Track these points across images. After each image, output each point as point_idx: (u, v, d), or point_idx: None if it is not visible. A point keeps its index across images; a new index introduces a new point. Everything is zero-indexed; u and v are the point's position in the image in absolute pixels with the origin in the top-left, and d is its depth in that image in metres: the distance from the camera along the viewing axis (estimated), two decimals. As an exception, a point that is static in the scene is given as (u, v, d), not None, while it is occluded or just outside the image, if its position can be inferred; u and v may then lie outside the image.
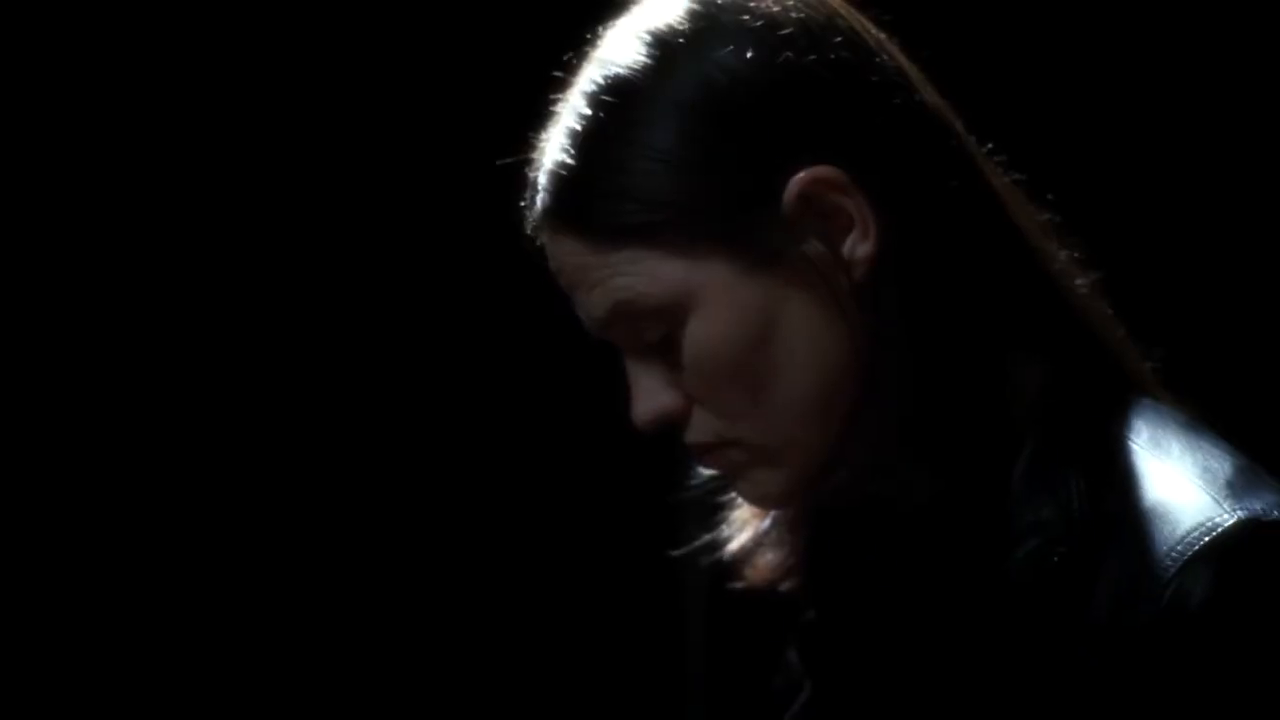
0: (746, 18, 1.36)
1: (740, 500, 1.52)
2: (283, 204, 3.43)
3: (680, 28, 1.38)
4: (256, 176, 3.44)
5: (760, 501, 1.47)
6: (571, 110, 1.39)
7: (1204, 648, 1.27)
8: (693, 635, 3.42)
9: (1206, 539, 1.28)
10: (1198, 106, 3.04)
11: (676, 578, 3.37)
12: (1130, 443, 1.37)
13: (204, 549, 3.52)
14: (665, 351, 1.41)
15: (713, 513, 1.60)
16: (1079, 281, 1.46)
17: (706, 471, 1.53)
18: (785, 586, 1.54)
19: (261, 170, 3.43)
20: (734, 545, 1.56)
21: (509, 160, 1.43)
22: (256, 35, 3.36)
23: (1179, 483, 1.33)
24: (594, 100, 1.38)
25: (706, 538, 1.57)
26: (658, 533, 2.29)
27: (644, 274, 1.37)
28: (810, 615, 1.51)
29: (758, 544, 1.55)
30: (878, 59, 1.39)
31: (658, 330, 1.39)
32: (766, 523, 1.55)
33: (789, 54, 1.36)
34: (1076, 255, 1.48)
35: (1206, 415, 1.44)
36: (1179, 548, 1.28)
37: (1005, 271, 1.43)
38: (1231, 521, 1.29)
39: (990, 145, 1.49)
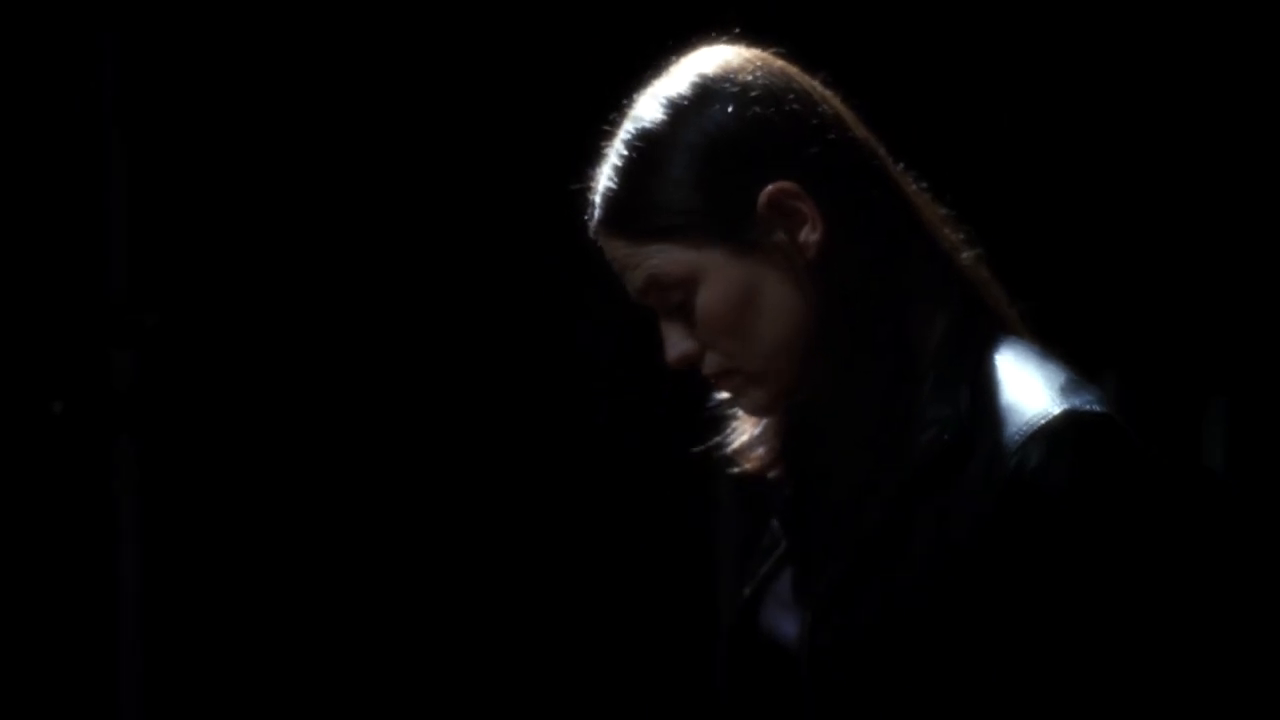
0: (729, 85, 1.82)
1: (740, 412, 1.95)
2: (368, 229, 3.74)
3: (686, 94, 1.83)
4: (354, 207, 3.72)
5: (753, 411, 1.91)
6: (615, 152, 1.84)
7: (1038, 501, 1.72)
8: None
9: (1041, 423, 1.74)
10: (1051, 132, 3.49)
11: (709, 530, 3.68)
12: (999, 363, 1.81)
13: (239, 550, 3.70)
14: (684, 312, 1.85)
15: (723, 425, 2.00)
16: (965, 255, 1.88)
17: (719, 395, 1.94)
18: (771, 473, 1.96)
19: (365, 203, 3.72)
20: (736, 444, 1.97)
21: (576, 187, 1.88)
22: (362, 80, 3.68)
23: (1029, 388, 1.78)
24: (630, 145, 1.83)
25: (719, 439, 1.98)
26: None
27: (667, 259, 1.82)
28: (788, 491, 1.94)
29: (752, 443, 1.97)
30: (820, 108, 1.85)
31: (678, 297, 1.83)
32: (759, 429, 1.97)
33: (758, 109, 1.81)
34: (964, 238, 1.90)
35: (1052, 345, 1.87)
36: (1023, 429, 1.74)
37: (914, 250, 1.86)
38: (1059, 411, 1.74)
39: (903, 163, 1.90)
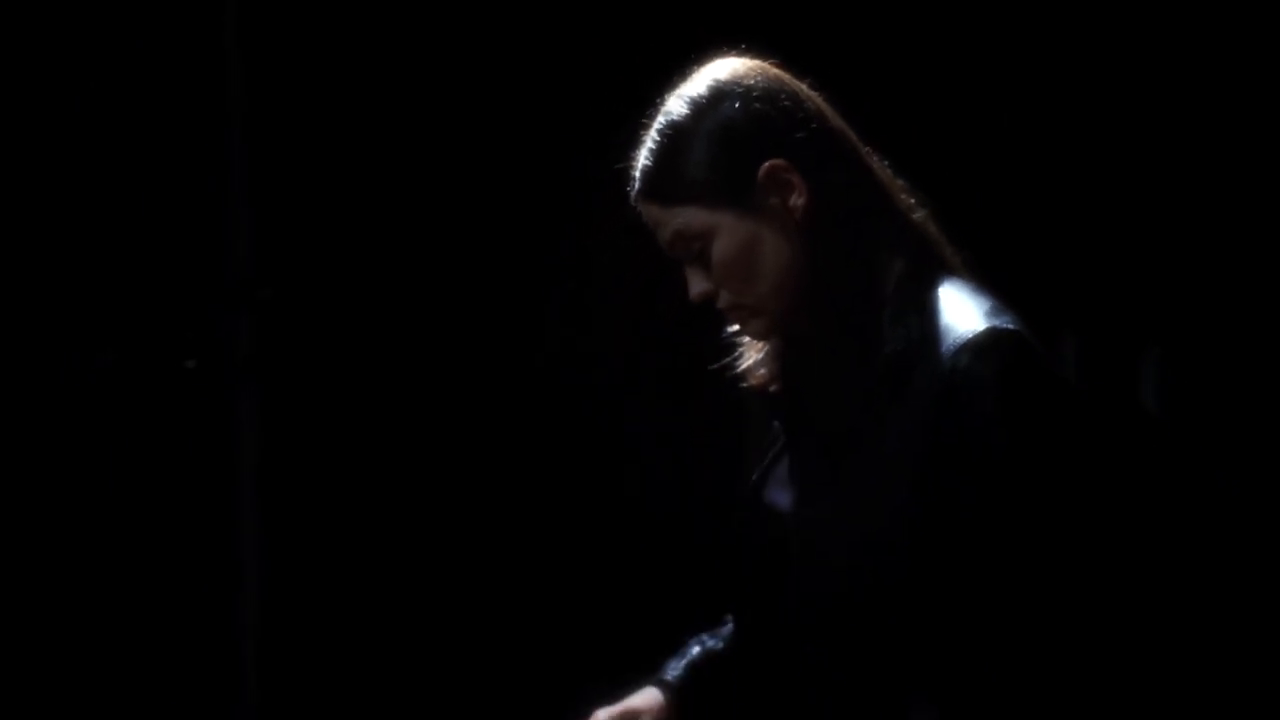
0: (736, 87, 2.18)
1: (746, 339, 2.29)
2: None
3: (704, 94, 2.19)
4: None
5: (756, 336, 2.25)
6: (650, 138, 2.19)
7: (965, 395, 2.07)
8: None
9: (969, 337, 2.08)
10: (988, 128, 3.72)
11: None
12: (941, 296, 2.16)
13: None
14: (703, 260, 2.18)
15: (733, 349, 2.33)
16: (917, 215, 2.23)
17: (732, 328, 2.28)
18: (772, 386, 2.28)
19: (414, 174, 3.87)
20: (744, 364, 2.30)
21: (620, 166, 2.23)
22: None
23: (962, 312, 2.12)
24: (661, 133, 2.19)
25: (730, 359, 2.30)
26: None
27: (689, 218, 2.16)
28: (785, 399, 2.26)
29: (757, 364, 2.29)
30: (805, 104, 2.20)
31: (698, 248, 2.17)
32: (761, 353, 2.28)
33: (758, 105, 2.17)
34: (917, 201, 2.24)
35: (986, 285, 2.22)
36: (956, 342, 2.08)
37: (877, 212, 2.20)
38: (983, 329, 2.09)
39: (870, 146, 2.24)
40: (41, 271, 3.65)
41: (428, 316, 3.89)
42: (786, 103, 2.20)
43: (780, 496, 2.27)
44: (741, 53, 2.26)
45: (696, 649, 2.41)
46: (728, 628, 2.41)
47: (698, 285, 2.23)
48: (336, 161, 3.83)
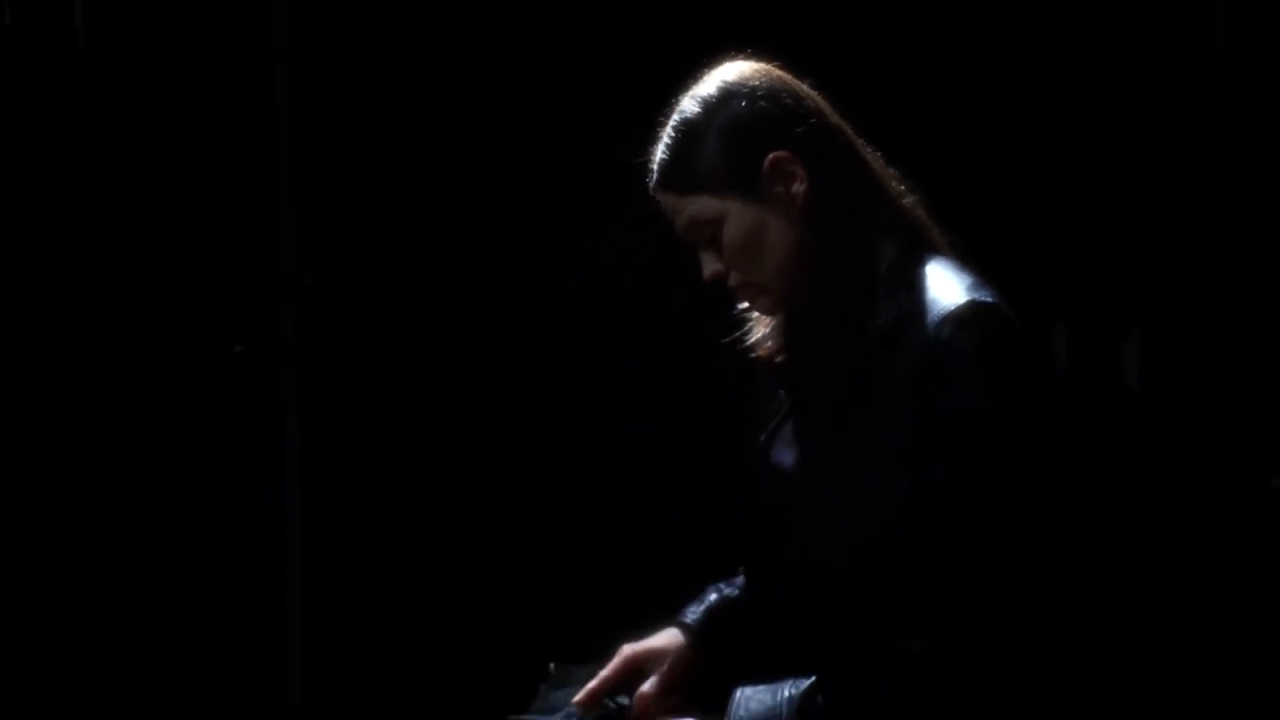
0: (743, 88, 2.33)
1: (755, 313, 2.44)
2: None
3: (714, 94, 2.35)
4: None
5: (763, 312, 2.41)
6: (666, 134, 2.35)
7: (947, 368, 2.21)
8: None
9: (952, 308, 2.25)
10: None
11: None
12: (929, 274, 2.32)
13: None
14: (715, 244, 2.33)
15: (743, 324, 2.46)
16: (908, 201, 2.39)
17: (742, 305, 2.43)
18: (778, 358, 2.43)
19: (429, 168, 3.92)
20: (753, 337, 2.45)
21: (639, 160, 2.38)
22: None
23: (947, 287, 2.28)
24: (676, 129, 2.34)
25: (739, 333, 2.45)
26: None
27: (702, 206, 2.32)
28: (789, 368, 2.42)
29: (765, 337, 2.44)
30: (805, 102, 2.36)
31: (710, 232, 2.33)
32: (768, 328, 2.43)
33: (763, 103, 2.33)
34: (907, 189, 2.39)
35: (972, 264, 2.38)
36: (940, 313, 2.24)
37: (872, 199, 2.35)
38: (964, 301, 2.25)
39: (864, 139, 2.40)
40: (93, 261, 3.71)
41: (464, 307, 3.96)
42: (788, 101, 2.37)
43: (785, 455, 2.43)
44: (747, 56, 2.43)
45: (714, 595, 2.55)
46: (741, 577, 2.56)
47: (710, 266, 2.39)
48: (376, 158, 3.91)
